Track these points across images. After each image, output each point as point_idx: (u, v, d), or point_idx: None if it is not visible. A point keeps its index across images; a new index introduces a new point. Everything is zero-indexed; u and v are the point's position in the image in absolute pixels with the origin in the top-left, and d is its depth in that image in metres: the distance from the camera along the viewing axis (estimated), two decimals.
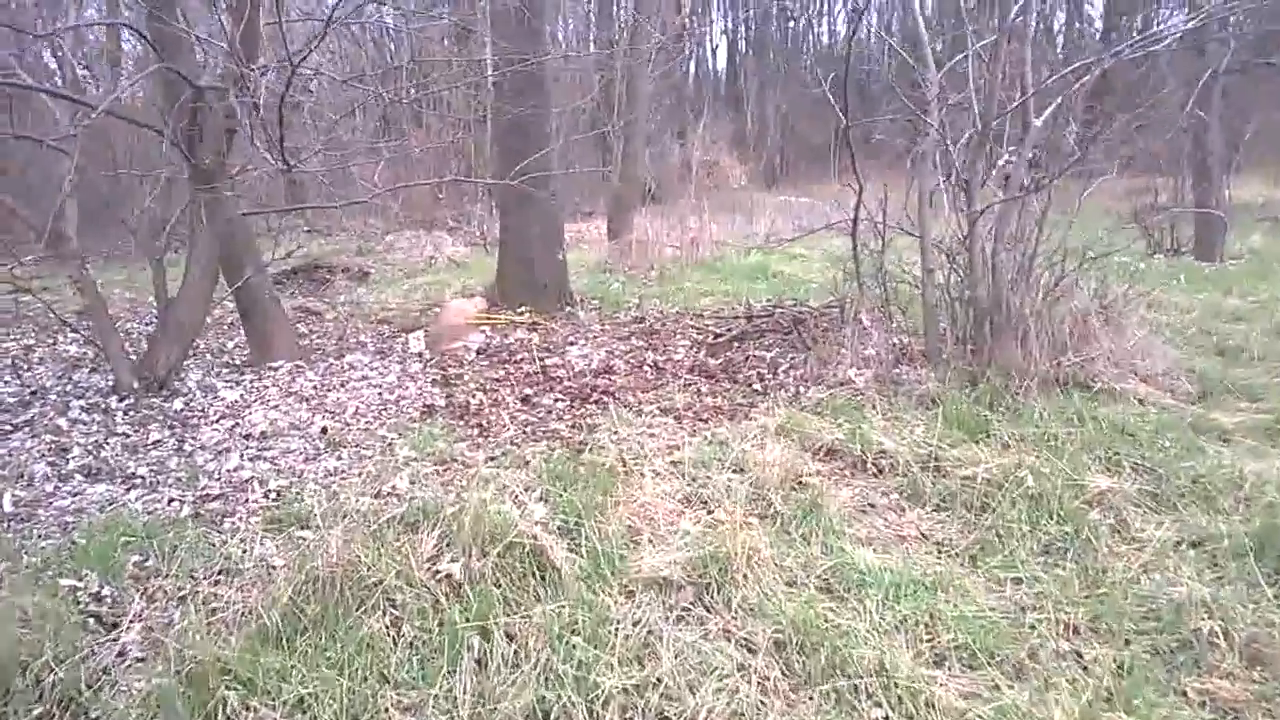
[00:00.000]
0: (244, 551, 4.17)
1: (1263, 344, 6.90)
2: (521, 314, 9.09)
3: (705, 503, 4.51)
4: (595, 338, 8.42)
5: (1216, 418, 5.41)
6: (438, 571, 3.71)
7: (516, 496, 4.41)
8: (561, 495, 4.41)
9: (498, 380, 7.01)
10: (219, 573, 4.02)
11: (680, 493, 4.62)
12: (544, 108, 9.34)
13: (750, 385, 6.74)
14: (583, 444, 5.43)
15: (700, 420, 5.93)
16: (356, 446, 5.56)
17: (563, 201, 10.08)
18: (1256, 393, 5.93)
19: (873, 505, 4.60)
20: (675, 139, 28.33)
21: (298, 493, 4.86)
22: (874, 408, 5.81)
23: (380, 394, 6.66)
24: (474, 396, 6.57)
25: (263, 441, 5.72)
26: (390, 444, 5.58)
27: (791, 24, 43.50)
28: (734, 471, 4.88)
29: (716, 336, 8.00)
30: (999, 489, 4.49)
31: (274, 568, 4.03)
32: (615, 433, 5.56)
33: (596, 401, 6.46)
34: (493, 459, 5.24)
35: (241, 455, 5.48)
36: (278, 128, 5.34)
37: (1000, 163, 6.43)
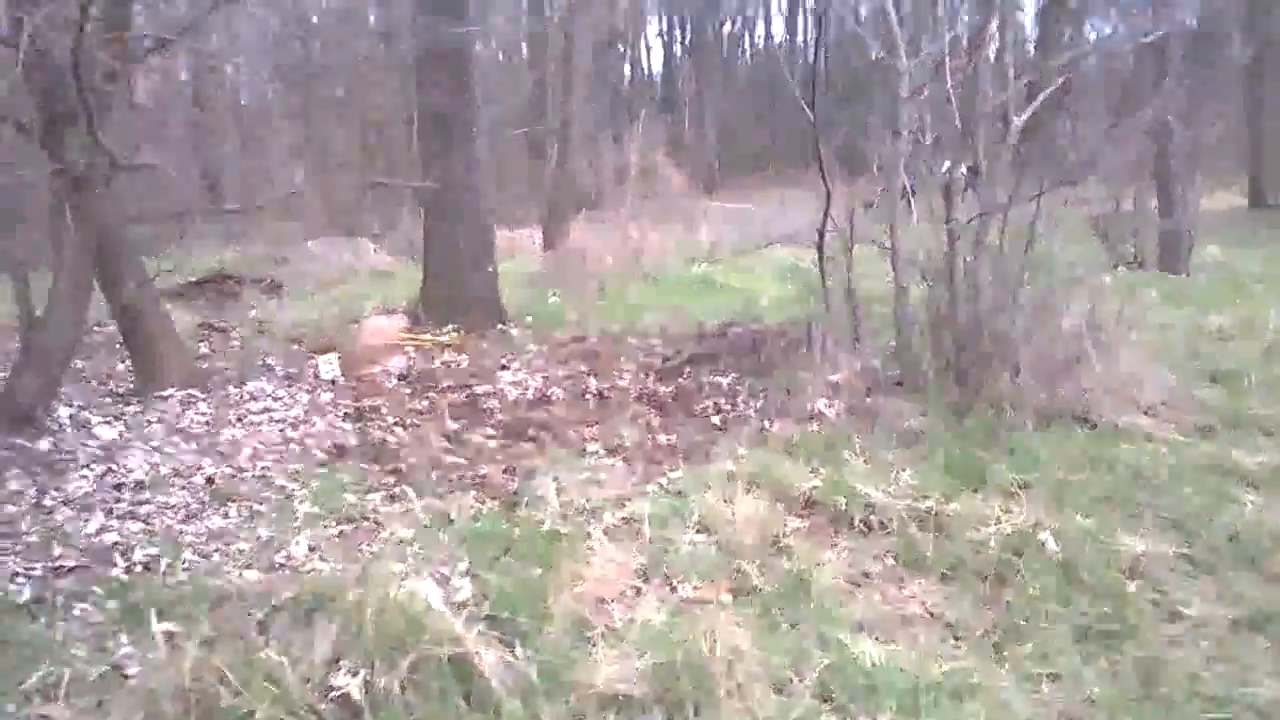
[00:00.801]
0: (90, 653, 3.28)
1: (1260, 368, 6.34)
2: (448, 334, 8.23)
3: (668, 577, 3.73)
4: (531, 361, 7.60)
5: (1237, 459, 4.79)
6: (331, 688, 2.86)
7: (437, 573, 3.58)
8: (491, 570, 3.60)
9: (420, 413, 6.16)
10: (53, 685, 3.11)
11: (636, 563, 3.83)
12: (468, 100, 8.50)
13: (707, 418, 6.00)
14: (516, 495, 4.62)
15: (653, 462, 5.16)
16: (248, 500, 4.67)
17: (492, 207, 9.26)
18: (1269, 426, 5.34)
19: (867, 575, 3.86)
20: (611, 143, 27.59)
21: (169, 564, 3.97)
22: (851, 446, 5.09)
23: (283, 430, 5.76)
24: (392, 433, 5.72)
25: (138, 493, 4.79)
26: (290, 495, 4.71)
27: (727, 25, 43.12)
28: (698, 531, 4.12)
29: (666, 360, 7.23)
30: (1016, 554, 3.78)
31: (127, 677, 3.16)
32: (555, 479, 4.77)
33: (533, 438, 5.65)
34: (409, 510, 4.41)
35: (109, 513, 4.55)
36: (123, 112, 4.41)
37: (943, 170, 5.89)
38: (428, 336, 8.02)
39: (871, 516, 4.26)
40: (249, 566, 3.95)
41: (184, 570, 3.92)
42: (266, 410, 6.20)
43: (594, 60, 23.12)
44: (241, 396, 6.52)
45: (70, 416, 5.99)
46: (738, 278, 12.44)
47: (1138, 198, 11.95)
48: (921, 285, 6.21)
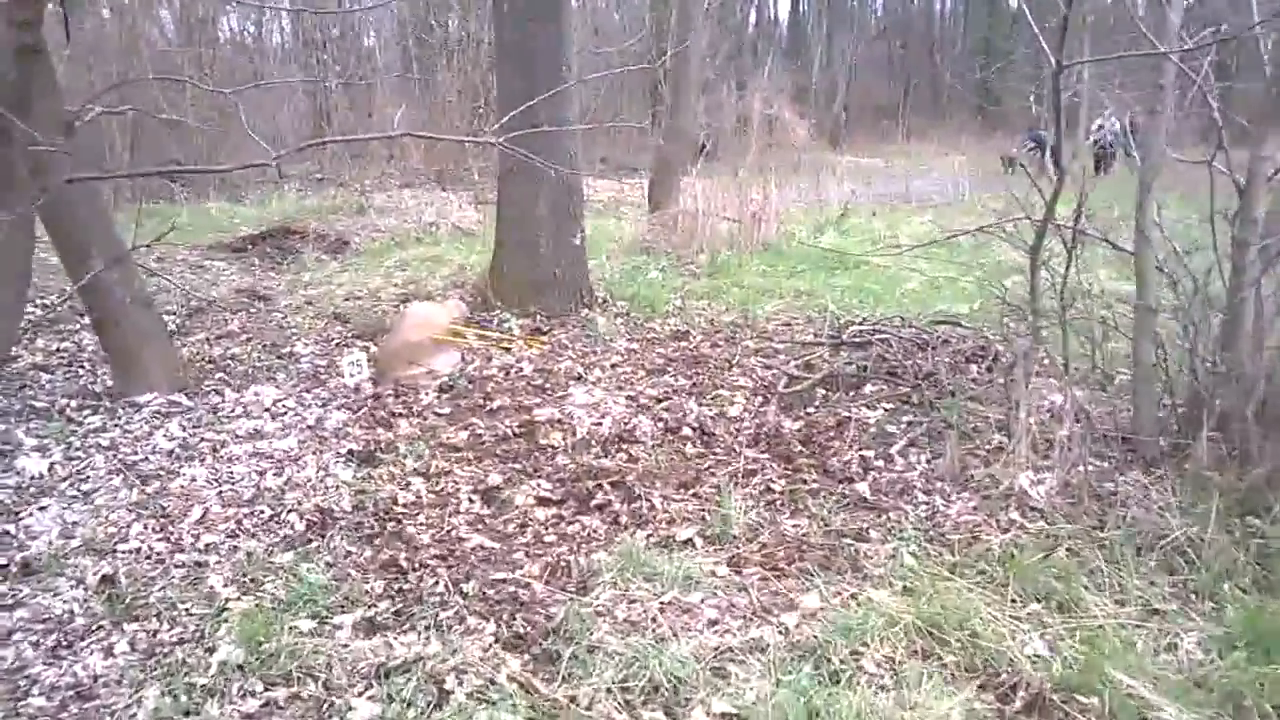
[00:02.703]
0: None
1: None
2: (510, 329, 6.57)
3: None
4: (617, 366, 5.89)
5: None
6: None
7: None
8: None
9: (454, 450, 4.52)
10: None
11: None
12: (558, 32, 6.74)
13: (851, 480, 4.20)
14: (556, 629, 2.95)
15: (773, 571, 3.41)
16: (152, 623, 3.08)
17: (578, 167, 7.53)
18: None
19: None
20: (734, 91, 25.46)
21: None
22: (1085, 570, 3.25)
23: (262, 476, 4.20)
24: (407, 486, 4.10)
25: (14, 586, 3.30)
26: (220, 613, 3.11)
27: None
28: None
29: (792, 379, 5.42)
30: None
31: None
32: (622, 590, 3.09)
33: (601, 506, 3.96)
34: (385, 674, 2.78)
35: None
36: None
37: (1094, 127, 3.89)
38: (491, 331, 6.38)
39: None
40: None
41: None
42: (256, 434, 4.65)
43: (719, 1, 21.03)
44: (232, 409, 5.00)
45: (2, 432, 4.56)
46: (874, 250, 10.45)
47: None
48: (1175, 303, 4.25)
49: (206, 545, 3.55)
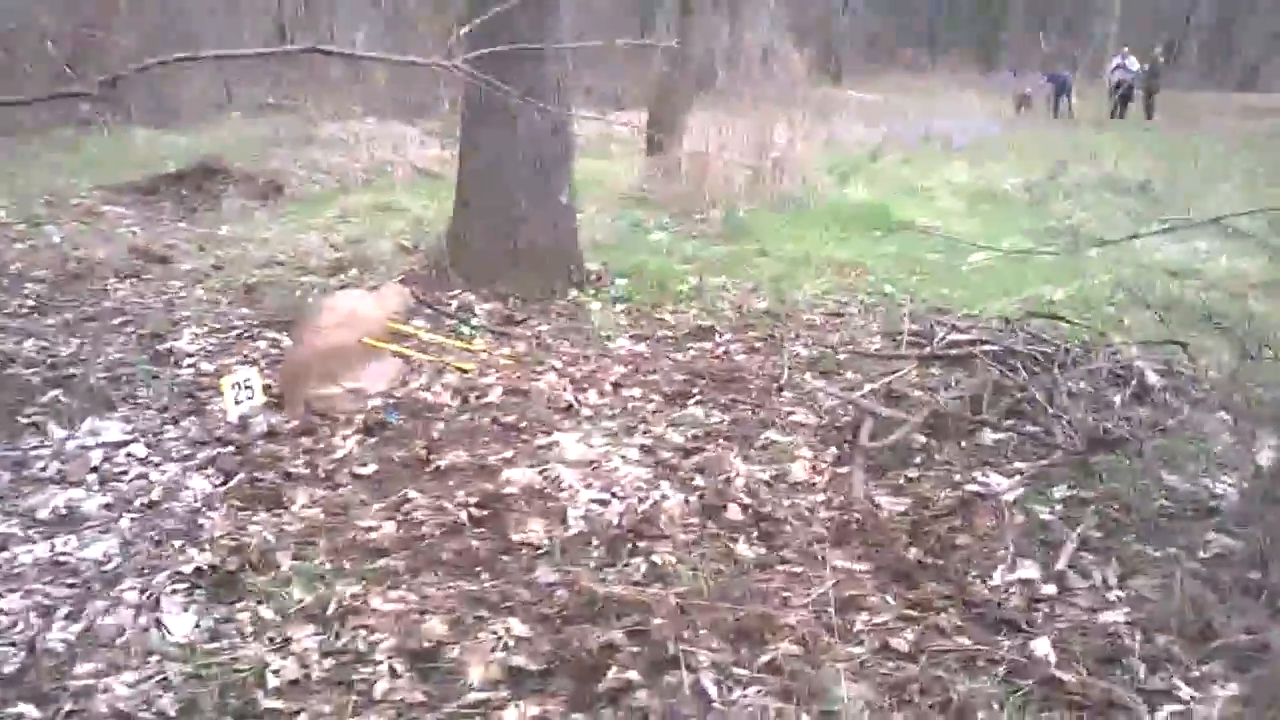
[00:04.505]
0: None
1: None
2: (471, 325, 4.86)
3: None
4: (621, 386, 4.20)
5: None
6: None
7: None
8: None
9: (374, 555, 2.84)
10: None
11: None
12: None
13: (1014, 630, 2.59)
14: None
15: None
16: None
17: (572, 97, 5.78)
18: None
19: None
20: (727, 18, 23.35)
21: None
22: None
23: (45, 623, 2.49)
24: (285, 646, 2.42)
25: None
26: None
27: None
28: None
29: (879, 422, 3.74)
30: None
31: None
32: None
33: (616, 694, 2.31)
34: None
35: None
36: None
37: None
38: (438, 332, 4.66)
39: None
40: None
41: None
42: (59, 525, 2.93)
43: None
44: (47, 467, 3.28)
45: None
46: (915, 205, 8.78)
47: None
48: None
49: None
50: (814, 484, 3.37)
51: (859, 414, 3.79)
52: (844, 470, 3.44)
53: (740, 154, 8.48)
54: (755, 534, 3.04)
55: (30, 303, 5.38)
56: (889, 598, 2.71)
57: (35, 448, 3.40)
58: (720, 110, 9.99)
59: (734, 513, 3.14)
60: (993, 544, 2.97)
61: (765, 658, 2.42)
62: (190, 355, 4.56)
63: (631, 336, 4.89)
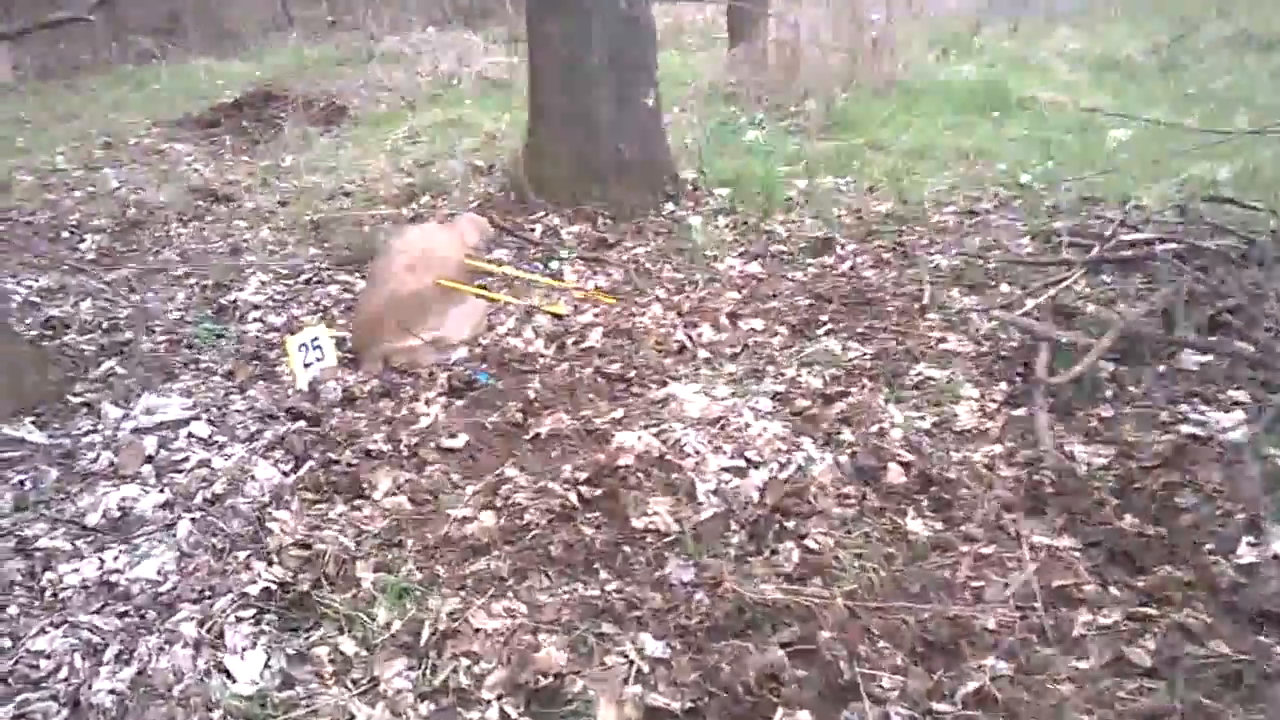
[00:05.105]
0: None
1: None
2: (560, 261, 4.30)
3: None
4: (738, 317, 3.64)
5: None
6: None
7: None
8: None
9: (470, 554, 2.37)
10: None
11: None
12: None
13: (1263, 621, 2.01)
14: None
15: None
16: None
17: None
18: None
19: None
20: None
21: None
22: None
23: (92, 664, 2.10)
24: (373, 688, 1.99)
25: None
26: None
27: None
28: None
29: (1057, 350, 3.09)
30: None
31: None
32: None
33: None
34: None
35: None
36: None
37: None
38: (523, 268, 4.13)
39: None
40: None
41: None
42: (110, 532, 2.53)
43: None
44: (98, 456, 2.87)
45: None
46: (1036, 81, 7.86)
47: None
48: None
49: None
50: (986, 431, 2.80)
51: (1029, 338, 3.17)
52: (1020, 412, 2.85)
53: (833, 36, 7.62)
54: (926, 503, 2.50)
55: (90, 257, 5.02)
56: (1110, 586, 2.16)
57: (86, 433, 3.00)
58: None
59: (895, 474, 2.59)
60: (1227, 504, 2.37)
61: (971, 685, 1.89)
62: (256, 308, 4.14)
63: (740, 255, 4.31)
